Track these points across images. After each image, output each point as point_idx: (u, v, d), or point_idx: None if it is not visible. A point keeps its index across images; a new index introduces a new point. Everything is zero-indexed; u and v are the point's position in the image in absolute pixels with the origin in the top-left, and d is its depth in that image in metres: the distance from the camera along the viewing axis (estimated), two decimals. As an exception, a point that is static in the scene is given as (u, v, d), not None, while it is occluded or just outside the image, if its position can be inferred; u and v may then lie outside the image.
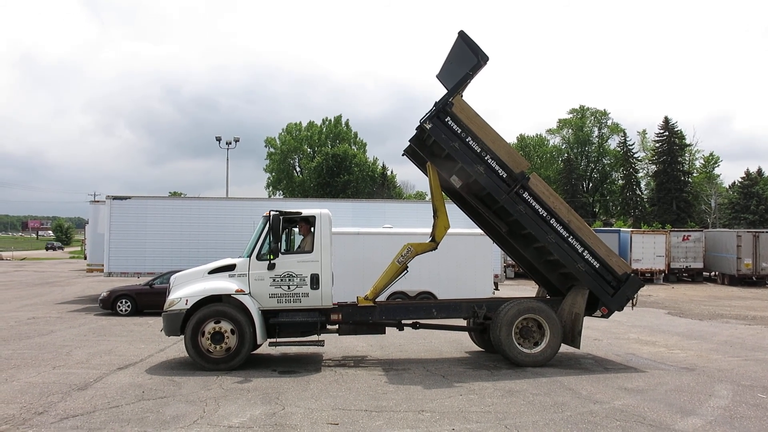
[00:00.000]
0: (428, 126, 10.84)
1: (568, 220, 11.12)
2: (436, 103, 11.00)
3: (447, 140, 10.84)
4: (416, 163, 12.68)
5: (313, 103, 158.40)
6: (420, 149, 11.76)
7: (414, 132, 11.47)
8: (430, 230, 12.01)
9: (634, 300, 11.58)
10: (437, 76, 12.24)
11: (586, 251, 11.11)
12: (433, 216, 11.86)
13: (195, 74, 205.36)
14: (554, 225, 11.05)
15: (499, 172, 10.98)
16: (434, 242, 11.81)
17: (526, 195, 11.01)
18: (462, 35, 11.06)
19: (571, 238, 11.10)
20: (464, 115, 10.94)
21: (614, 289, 11.28)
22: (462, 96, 11.25)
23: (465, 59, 11.13)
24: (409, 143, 11.92)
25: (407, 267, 11.73)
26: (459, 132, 10.88)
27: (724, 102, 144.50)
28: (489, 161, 10.94)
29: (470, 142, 10.91)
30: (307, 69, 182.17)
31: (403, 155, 12.61)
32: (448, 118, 10.87)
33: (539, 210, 11.03)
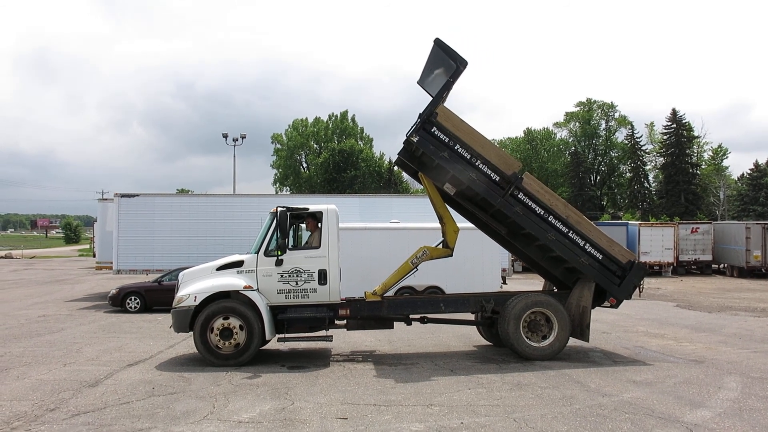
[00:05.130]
0: (415, 139, 10.76)
1: (566, 216, 11.07)
2: (420, 115, 10.92)
3: (435, 151, 10.76)
4: (409, 173, 12.63)
5: (326, 98, 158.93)
6: (410, 161, 11.67)
7: (402, 146, 11.40)
8: (437, 224, 12.00)
9: (641, 287, 11.56)
10: (418, 83, 12.04)
11: (587, 244, 11.07)
12: (440, 223, 11.85)
13: (208, 69, 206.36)
14: (553, 222, 10.99)
15: (492, 176, 10.88)
16: (449, 249, 11.81)
17: (521, 195, 10.93)
18: (438, 43, 10.92)
19: (572, 233, 11.05)
20: (450, 124, 10.84)
21: (620, 278, 11.24)
22: (445, 102, 11.16)
23: (444, 65, 11.07)
24: (398, 156, 11.88)
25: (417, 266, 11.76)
26: (447, 141, 10.78)
27: (743, 92, 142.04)
28: (480, 166, 10.85)
29: (459, 150, 10.81)
30: (321, 63, 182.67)
31: (394, 166, 12.58)
32: (434, 129, 10.77)
33: (536, 209, 10.96)
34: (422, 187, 12.43)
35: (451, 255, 11.91)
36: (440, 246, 11.90)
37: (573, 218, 11.13)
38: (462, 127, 10.93)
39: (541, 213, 10.99)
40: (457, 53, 10.78)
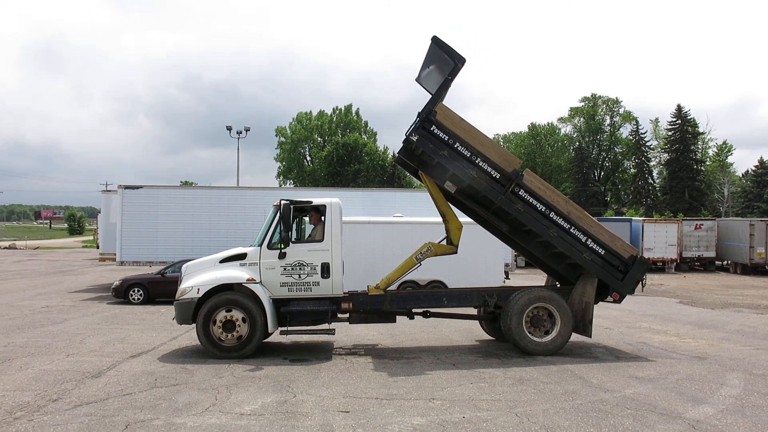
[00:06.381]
0: (414, 138, 10.71)
1: (567, 212, 11.02)
2: (419, 114, 10.86)
3: (435, 149, 10.72)
4: (409, 172, 12.60)
5: (332, 92, 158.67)
6: (410, 160, 11.61)
7: (401, 145, 11.37)
8: (441, 219, 11.97)
9: (643, 282, 11.54)
10: (417, 80, 11.95)
11: (589, 240, 11.03)
12: (443, 221, 11.82)
13: (215, 61, 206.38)
14: (554, 218, 10.94)
15: (492, 173, 10.81)
16: (453, 246, 11.79)
17: (522, 192, 10.88)
18: (435, 40, 10.86)
19: (573, 229, 11.00)
20: (449, 122, 10.79)
21: (623, 273, 11.21)
22: (444, 100, 11.09)
23: (442, 63, 11.01)
24: (398, 155, 11.82)
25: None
26: (446, 139, 10.72)
27: (749, 88, 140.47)
28: (480, 164, 10.79)
29: (459, 148, 10.75)
30: (326, 56, 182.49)
31: (394, 165, 12.55)
32: (434, 127, 10.71)
33: (537, 206, 10.91)
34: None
35: (456, 252, 11.89)
36: (444, 243, 11.88)
37: (575, 214, 11.08)
38: (461, 125, 10.87)
39: (543, 210, 10.94)
40: (454, 50, 10.71)
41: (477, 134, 10.93)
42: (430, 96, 11.02)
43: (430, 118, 10.72)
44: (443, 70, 11.02)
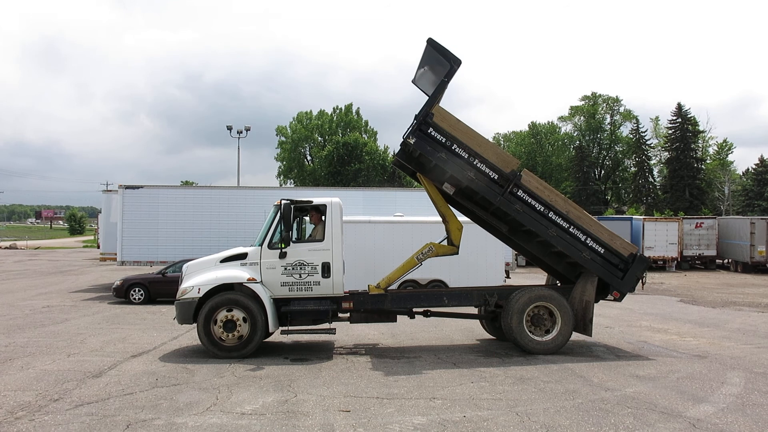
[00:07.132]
0: (412, 141, 10.71)
1: (566, 211, 11.02)
2: (416, 116, 10.84)
3: (433, 151, 10.71)
4: (407, 173, 12.62)
5: (333, 91, 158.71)
6: (407, 162, 11.62)
7: (399, 147, 11.36)
8: (440, 217, 11.97)
9: (643, 279, 11.55)
10: (413, 82, 11.93)
11: (589, 239, 11.03)
12: (443, 222, 11.83)
13: (216, 60, 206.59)
14: (553, 218, 10.94)
15: (490, 174, 10.81)
16: (454, 246, 11.80)
17: (520, 193, 10.87)
18: (431, 42, 10.85)
19: (573, 228, 11.00)
20: (446, 124, 10.78)
21: (623, 271, 11.22)
22: (440, 102, 11.09)
23: (438, 64, 11.02)
24: (395, 158, 11.81)
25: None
26: (444, 141, 10.72)
27: (750, 86, 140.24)
28: (478, 165, 10.79)
29: (456, 150, 10.75)
30: (328, 56, 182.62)
31: (392, 167, 12.57)
32: (431, 129, 10.71)
33: (536, 206, 10.91)
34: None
35: (457, 253, 11.91)
36: (445, 243, 11.89)
37: (573, 213, 11.08)
38: (458, 127, 10.86)
39: (541, 209, 10.94)
40: (450, 52, 10.71)
41: (474, 135, 10.93)
42: (427, 98, 11.02)
43: (426, 120, 10.72)
44: (439, 71, 11.02)
